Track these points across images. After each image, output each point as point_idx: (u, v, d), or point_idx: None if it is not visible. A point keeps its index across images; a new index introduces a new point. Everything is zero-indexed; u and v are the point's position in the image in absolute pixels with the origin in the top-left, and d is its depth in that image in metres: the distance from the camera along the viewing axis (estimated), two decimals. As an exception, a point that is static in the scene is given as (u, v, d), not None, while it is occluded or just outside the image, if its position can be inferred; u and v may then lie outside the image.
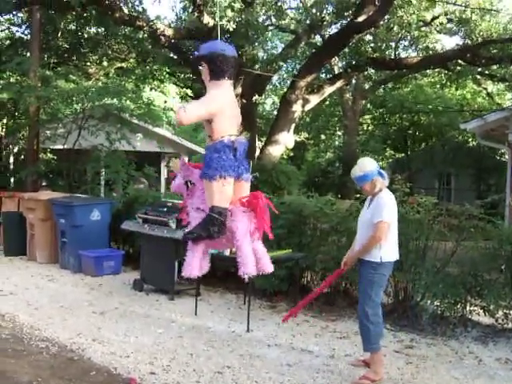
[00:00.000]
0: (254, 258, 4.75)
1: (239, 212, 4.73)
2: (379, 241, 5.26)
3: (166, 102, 20.92)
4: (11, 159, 16.41)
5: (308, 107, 17.87)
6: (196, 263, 4.73)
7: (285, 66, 22.20)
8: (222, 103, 4.69)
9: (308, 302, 6.27)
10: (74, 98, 13.82)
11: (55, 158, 15.48)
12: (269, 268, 4.92)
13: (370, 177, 5.38)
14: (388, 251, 5.35)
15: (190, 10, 15.75)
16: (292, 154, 28.87)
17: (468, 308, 7.05)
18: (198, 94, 18.58)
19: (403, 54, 21.26)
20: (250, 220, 4.77)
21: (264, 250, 4.94)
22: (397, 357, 6.03)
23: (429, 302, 7.03)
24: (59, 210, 10.41)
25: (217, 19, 12.81)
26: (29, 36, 16.13)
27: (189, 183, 5.03)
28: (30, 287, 8.87)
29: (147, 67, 18.50)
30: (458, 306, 7.02)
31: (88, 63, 19.54)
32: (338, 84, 18.24)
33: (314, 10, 16.53)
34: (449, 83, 23.44)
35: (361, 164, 5.51)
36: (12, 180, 15.77)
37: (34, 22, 14.53)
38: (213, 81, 4.76)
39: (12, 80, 15.21)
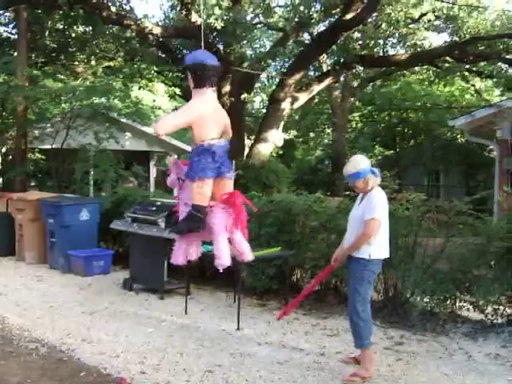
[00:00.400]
0: (237, 249, 5.39)
1: (218, 209, 5.23)
2: (369, 238, 5.27)
3: (154, 100, 20.85)
4: (-1, 159, 16.34)
5: (297, 105, 17.88)
6: (180, 252, 5.40)
7: (273, 63, 22.16)
8: (201, 111, 5.15)
9: (300, 300, 6.29)
10: (62, 98, 13.75)
11: (43, 157, 15.42)
12: (248, 257, 5.50)
13: (363, 174, 5.37)
14: (378, 248, 5.35)
15: (178, 9, 15.71)
16: (281, 152, 28.87)
17: (457, 304, 7.07)
18: (187, 92, 18.58)
19: (391, 52, 21.27)
20: (228, 216, 5.24)
21: (243, 240, 5.42)
22: (387, 354, 6.04)
23: (418, 298, 7.03)
24: (48, 210, 10.37)
25: (202, 18, 12.80)
26: (16, 35, 16.04)
27: (180, 179, 5.55)
28: (19, 288, 8.84)
29: (135, 66, 18.43)
30: (448, 302, 7.05)
31: (76, 62, 19.42)
32: (327, 82, 18.25)
33: (301, 8, 16.52)
34: (437, 80, 23.51)
35: (354, 161, 5.51)
36: (0, 180, 15.68)
37: (20, 21, 14.45)
38: (196, 88, 5.25)
39: (-1, 80, 15.12)
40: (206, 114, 5.14)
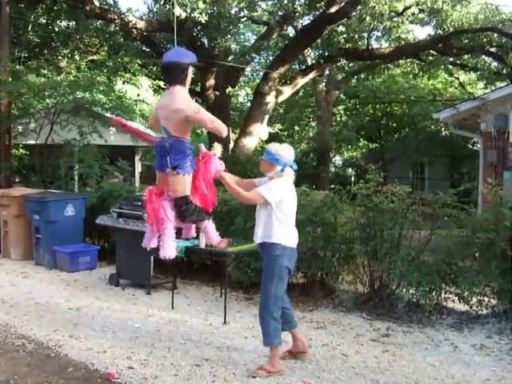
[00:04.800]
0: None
1: None
2: (243, 199, 5.40)
3: (138, 95, 20.78)
4: (-17, 156, 16.20)
5: (281, 99, 17.89)
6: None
7: (258, 57, 22.14)
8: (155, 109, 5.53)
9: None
10: (46, 93, 13.66)
11: (28, 153, 15.32)
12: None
13: (274, 160, 5.34)
14: (287, 236, 5.31)
15: (162, 3, 15.66)
16: (266, 146, 28.84)
17: (443, 295, 7.13)
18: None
19: (376, 45, 21.29)
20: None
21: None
22: (373, 345, 6.09)
23: (404, 290, 7.07)
24: (33, 206, 10.32)
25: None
26: (-2, 30, 15.91)
27: None
28: (5, 285, 8.79)
29: (119, 60, 18.33)
30: (433, 294, 7.09)
31: (59, 57, 19.30)
32: (311, 75, 18.28)
33: (285, 1, 16.51)
34: (421, 73, 23.55)
35: (283, 146, 5.51)
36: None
37: (3, 15, 14.31)
38: None
39: (-18, 75, 14.98)
40: (155, 114, 5.41)
